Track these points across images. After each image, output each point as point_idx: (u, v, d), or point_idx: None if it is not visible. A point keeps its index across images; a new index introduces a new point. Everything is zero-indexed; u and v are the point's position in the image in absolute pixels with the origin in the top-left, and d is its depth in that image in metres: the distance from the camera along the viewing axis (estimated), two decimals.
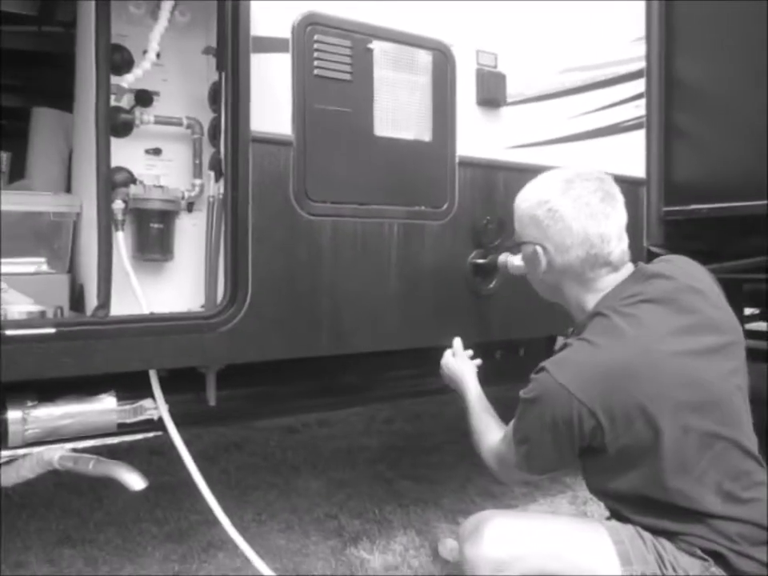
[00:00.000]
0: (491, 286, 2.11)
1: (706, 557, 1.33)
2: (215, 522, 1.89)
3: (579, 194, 1.45)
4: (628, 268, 1.50)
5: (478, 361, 1.89)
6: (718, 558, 1.33)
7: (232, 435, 3.58)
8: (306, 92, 1.74)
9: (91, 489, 2.81)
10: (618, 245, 1.46)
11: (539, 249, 1.49)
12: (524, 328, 2.32)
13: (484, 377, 1.85)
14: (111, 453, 3.02)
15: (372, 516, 2.62)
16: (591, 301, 1.48)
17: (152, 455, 3.23)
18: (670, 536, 1.36)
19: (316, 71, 1.76)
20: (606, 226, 1.44)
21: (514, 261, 1.93)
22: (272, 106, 1.70)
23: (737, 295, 3.42)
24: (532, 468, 1.47)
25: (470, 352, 1.91)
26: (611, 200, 1.46)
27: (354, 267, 1.82)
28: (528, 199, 1.53)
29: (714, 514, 1.33)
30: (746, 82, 2.55)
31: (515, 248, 1.69)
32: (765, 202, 2.50)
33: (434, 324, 2.00)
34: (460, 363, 1.85)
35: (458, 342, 1.90)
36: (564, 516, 1.41)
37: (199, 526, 2.49)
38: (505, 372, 2.48)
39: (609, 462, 1.37)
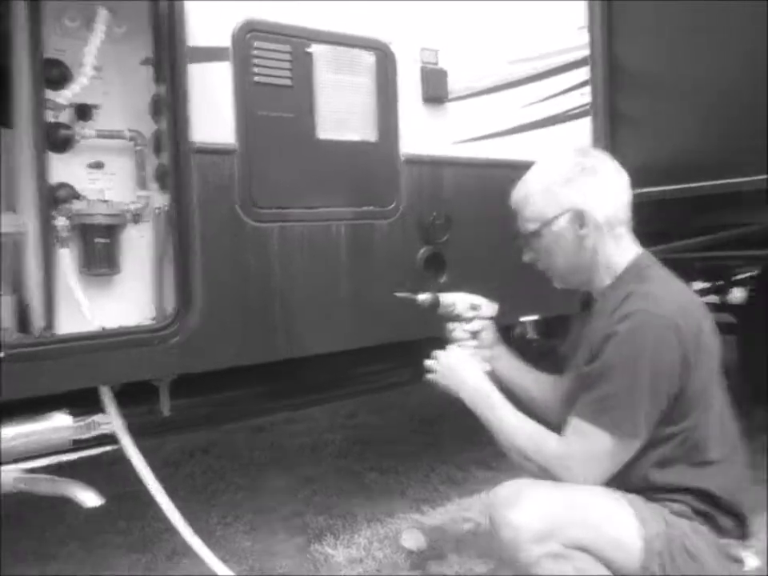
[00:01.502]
0: (442, 280, 2.14)
1: (694, 516, 1.43)
2: (178, 529, 1.91)
3: (597, 154, 1.61)
4: None
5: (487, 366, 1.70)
6: (705, 517, 1.44)
7: (198, 439, 3.56)
8: (247, 100, 1.74)
9: (51, 504, 2.78)
10: None
11: (579, 209, 1.51)
12: None
13: None
14: (72, 466, 2.99)
15: (337, 511, 2.65)
16: (622, 262, 1.54)
17: (114, 465, 3.20)
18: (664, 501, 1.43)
19: (257, 78, 1.76)
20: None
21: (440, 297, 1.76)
22: (214, 116, 1.70)
23: (687, 273, 3.54)
24: (624, 431, 1.38)
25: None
26: None
27: (304, 271, 1.84)
28: (548, 172, 1.57)
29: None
30: (687, 66, 2.61)
31: (532, 237, 1.56)
32: (709, 182, 2.59)
33: (388, 321, 2.02)
34: (459, 355, 1.66)
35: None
36: (585, 487, 1.40)
37: (163, 533, 2.49)
38: None
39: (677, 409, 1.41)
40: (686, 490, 1.43)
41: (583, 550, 1.30)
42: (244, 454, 3.37)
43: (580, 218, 1.52)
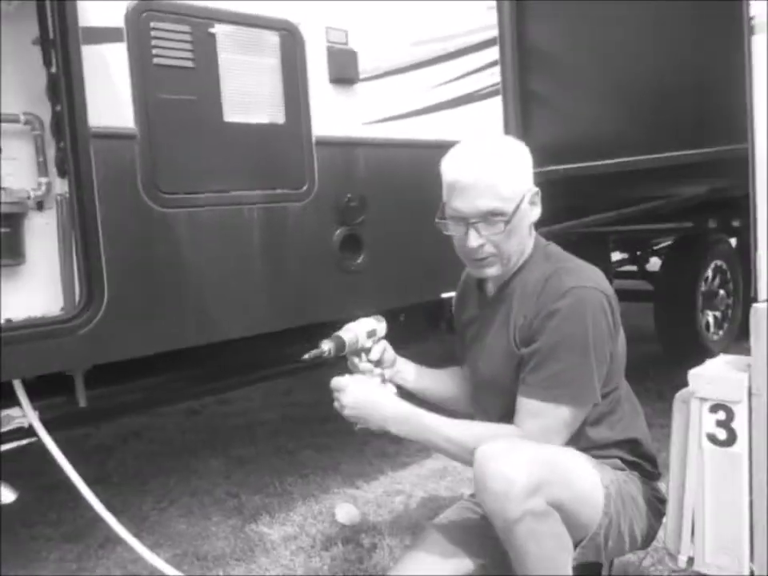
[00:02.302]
0: (359, 260, 2.17)
1: (625, 467, 1.54)
2: (114, 514, 1.90)
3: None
4: None
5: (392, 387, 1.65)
6: (634, 466, 1.56)
7: (130, 424, 3.53)
8: (146, 82, 1.70)
9: None
10: None
11: (535, 189, 1.51)
12: (399, 297, 2.40)
13: None
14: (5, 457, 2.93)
15: (273, 490, 2.68)
16: (531, 243, 1.56)
17: (44, 455, 3.15)
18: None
19: (156, 60, 1.73)
20: None
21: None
22: (111, 99, 1.66)
23: (602, 245, 3.68)
24: (583, 400, 1.44)
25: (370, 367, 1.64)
26: None
27: (215, 256, 1.83)
28: (509, 149, 1.52)
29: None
30: (594, 46, 2.68)
31: (500, 218, 1.45)
32: (618, 160, 2.68)
33: (305, 304, 2.04)
34: (372, 389, 1.56)
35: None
36: (561, 447, 1.44)
37: (96, 522, 2.44)
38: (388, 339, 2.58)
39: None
40: (617, 443, 1.54)
41: (559, 506, 1.34)
42: (177, 438, 3.36)
43: (536, 198, 1.52)
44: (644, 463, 1.58)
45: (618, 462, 1.54)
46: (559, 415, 1.43)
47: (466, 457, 1.42)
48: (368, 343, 1.65)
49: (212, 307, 1.83)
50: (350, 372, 1.64)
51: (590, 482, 1.43)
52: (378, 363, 1.68)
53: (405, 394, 1.70)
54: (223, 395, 3.83)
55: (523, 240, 1.52)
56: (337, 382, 1.53)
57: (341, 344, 1.59)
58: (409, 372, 1.75)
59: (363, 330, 1.65)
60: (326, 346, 1.56)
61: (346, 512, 2.45)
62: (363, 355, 1.65)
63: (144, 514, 2.55)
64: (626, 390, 1.61)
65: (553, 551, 1.33)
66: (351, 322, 1.66)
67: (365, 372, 1.64)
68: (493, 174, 1.44)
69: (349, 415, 1.52)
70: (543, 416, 1.43)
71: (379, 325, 1.70)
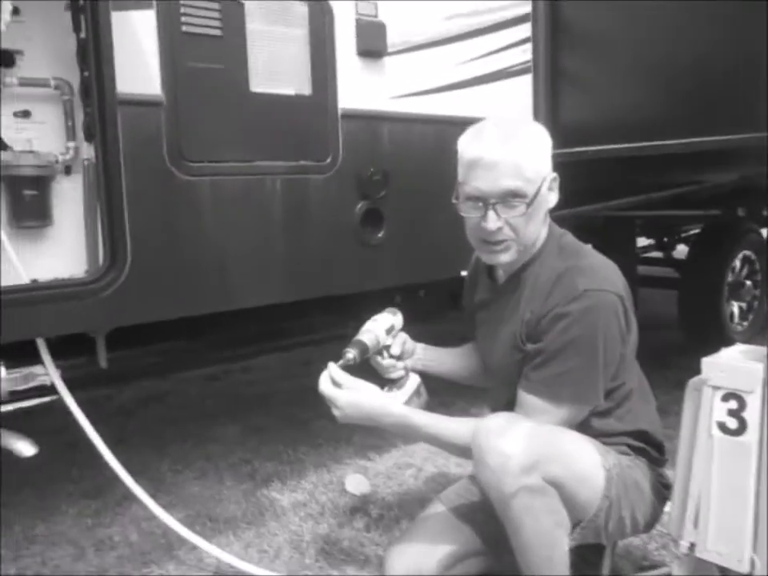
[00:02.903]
0: (380, 235, 2.17)
1: (631, 453, 1.55)
2: (132, 475, 1.96)
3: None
4: None
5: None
6: (640, 452, 1.56)
7: (151, 388, 3.61)
8: (174, 50, 1.72)
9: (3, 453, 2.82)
10: None
11: (554, 173, 1.49)
12: (419, 272, 2.41)
13: None
14: (26, 414, 3.02)
15: (285, 458, 2.73)
16: (545, 231, 1.53)
17: (67, 413, 3.24)
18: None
19: (184, 28, 1.74)
20: None
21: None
22: (139, 66, 1.68)
23: (628, 230, 3.63)
24: (585, 401, 1.45)
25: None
26: None
27: (236, 224, 1.85)
28: (532, 130, 1.49)
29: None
30: (630, 26, 2.62)
31: (522, 200, 1.43)
32: (649, 143, 2.64)
33: (324, 276, 2.06)
34: (363, 403, 1.49)
35: (334, 368, 1.50)
36: (557, 427, 1.44)
37: (114, 481, 2.51)
38: (404, 313, 2.60)
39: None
40: (624, 433, 1.54)
41: (556, 484, 1.34)
42: (197, 404, 3.42)
43: (554, 183, 1.49)
44: (650, 450, 1.58)
45: (625, 447, 1.54)
46: (558, 413, 1.43)
47: (464, 452, 1.43)
48: (388, 340, 1.66)
49: (232, 275, 1.85)
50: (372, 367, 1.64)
51: (590, 463, 1.44)
52: (399, 357, 1.69)
53: (430, 378, 1.72)
54: (244, 363, 3.89)
55: (539, 226, 1.50)
56: (327, 393, 1.48)
57: (364, 348, 1.59)
58: (429, 358, 1.77)
59: (382, 329, 1.66)
60: (351, 354, 1.55)
61: (356, 482, 2.49)
62: (385, 352, 1.67)
63: (161, 475, 2.61)
64: (637, 382, 1.59)
65: (548, 526, 1.34)
66: (368, 321, 1.67)
67: (388, 368, 1.67)
68: (518, 153, 1.41)
69: (340, 418, 1.49)
70: (542, 413, 1.43)
71: (395, 318, 1.71)
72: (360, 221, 2.12)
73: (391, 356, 1.67)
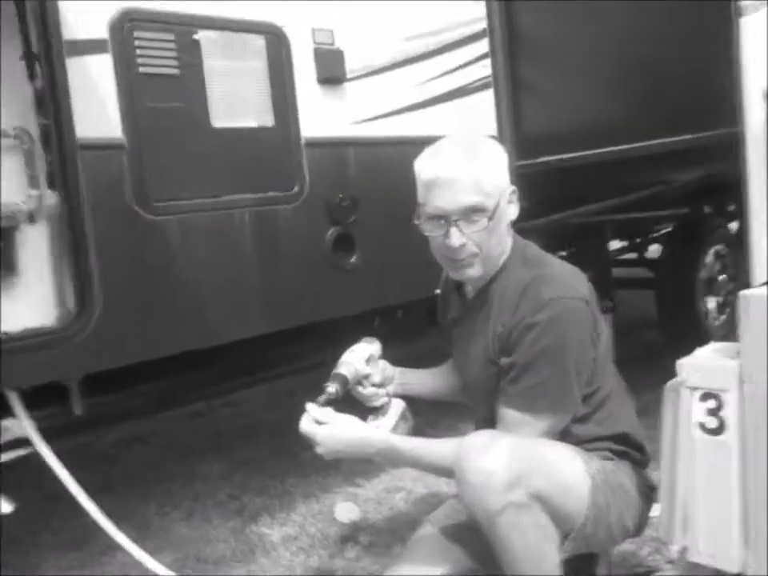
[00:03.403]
0: (353, 259, 2.18)
1: (613, 457, 1.55)
2: (115, 523, 1.92)
3: None
4: None
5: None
6: (623, 455, 1.56)
7: (135, 429, 3.55)
8: (132, 92, 1.72)
9: None
10: None
11: (512, 186, 1.50)
12: (394, 294, 2.41)
13: None
14: (4, 469, 2.95)
15: (274, 491, 2.70)
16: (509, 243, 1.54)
17: (46, 465, 3.17)
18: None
19: (141, 69, 1.74)
20: None
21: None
22: (98, 111, 1.68)
23: (600, 235, 3.67)
24: (563, 410, 1.46)
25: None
26: None
27: (207, 260, 1.85)
28: (488, 145, 1.51)
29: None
30: (587, 35, 2.67)
31: (483, 214, 1.43)
32: (613, 148, 2.68)
33: (300, 304, 2.05)
34: (342, 437, 1.46)
35: (312, 408, 1.49)
36: (545, 440, 1.45)
37: (97, 530, 2.48)
38: (384, 335, 2.60)
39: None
40: (605, 437, 1.54)
41: (541, 498, 1.34)
42: (181, 442, 3.38)
43: (513, 196, 1.51)
44: (632, 452, 1.58)
45: (607, 452, 1.54)
46: (539, 425, 1.43)
47: (447, 473, 1.43)
48: (367, 369, 1.66)
49: (207, 312, 1.84)
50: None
51: (574, 472, 1.43)
52: (381, 384, 1.69)
53: (414, 400, 1.72)
54: (228, 398, 3.85)
55: (502, 239, 1.51)
56: (305, 430, 1.47)
57: (344, 380, 1.59)
58: (410, 381, 1.76)
59: (360, 359, 1.65)
60: (332, 388, 1.55)
61: (346, 510, 2.46)
62: (365, 382, 1.66)
63: (147, 519, 2.56)
64: (614, 385, 1.60)
65: (537, 542, 1.33)
66: (345, 353, 1.66)
67: (371, 396, 1.66)
68: (474, 168, 1.42)
69: (324, 454, 1.48)
70: (523, 426, 1.43)
71: (373, 347, 1.70)
72: (332, 247, 2.12)
73: (373, 384, 1.67)
